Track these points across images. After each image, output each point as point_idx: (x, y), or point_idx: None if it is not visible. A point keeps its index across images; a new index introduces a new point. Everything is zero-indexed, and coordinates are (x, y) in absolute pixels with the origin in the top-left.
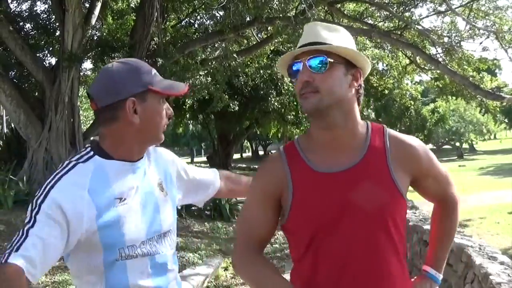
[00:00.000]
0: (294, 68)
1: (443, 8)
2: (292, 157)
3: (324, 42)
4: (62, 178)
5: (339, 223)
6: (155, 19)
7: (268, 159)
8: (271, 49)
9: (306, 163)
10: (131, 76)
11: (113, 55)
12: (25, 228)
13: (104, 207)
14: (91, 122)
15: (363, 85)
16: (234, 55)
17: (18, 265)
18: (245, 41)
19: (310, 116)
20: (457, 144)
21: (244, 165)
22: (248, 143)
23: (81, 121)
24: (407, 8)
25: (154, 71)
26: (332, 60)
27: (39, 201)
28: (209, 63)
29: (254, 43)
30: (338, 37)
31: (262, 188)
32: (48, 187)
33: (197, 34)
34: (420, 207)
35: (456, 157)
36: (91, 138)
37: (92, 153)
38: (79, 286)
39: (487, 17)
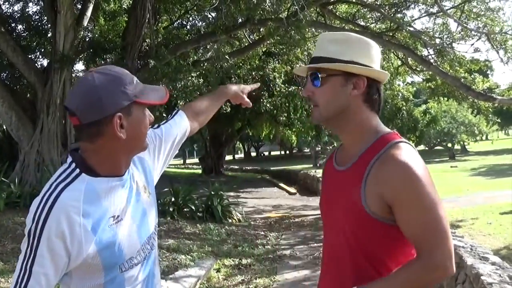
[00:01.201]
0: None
1: (435, 9)
2: (333, 153)
3: (326, 56)
4: (54, 205)
5: (327, 216)
6: (147, 20)
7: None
8: (263, 50)
9: (334, 157)
10: (115, 89)
11: (105, 56)
12: (28, 266)
13: (101, 230)
14: None
15: (378, 91)
16: (226, 56)
17: None
18: (237, 43)
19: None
20: (449, 145)
21: (236, 167)
22: (240, 144)
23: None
24: (399, 10)
25: (135, 79)
26: (324, 75)
27: (37, 233)
28: (201, 65)
29: (246, 44)
30: (341, 49)
31: None
32: (43, 216)
33: (189, 35)
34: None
35: (448, 158)
36: (70, 150)
37: (77, 170)
38: None
39: (478, 19)
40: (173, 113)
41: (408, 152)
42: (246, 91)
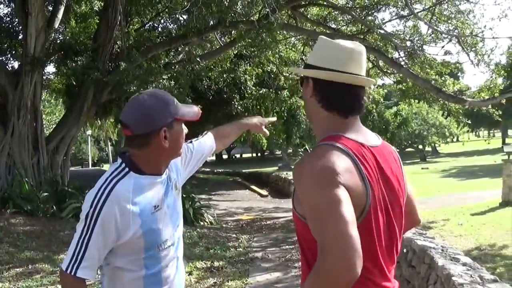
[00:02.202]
0: None
1: (405, 12)
2: None
3: (306, 62)
4: (109, 195)
5: None
6: (118, 22)
7: None
8: (235, 53)
9: None
10: (163, 108)
11: (76, 58)
12: (84, 242)
13: (146, 216)
14: (53, 126)
15: (333, 91)
16: (198, 59)
17: (83, 278)
18: (209, 45)
19: None
20: (420, 147)
21: (208, 169)
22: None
23: (44, 126)
24: (370, 13)
25: (175, 100)
26: (302, 81)
27: (94, 216)
28: (173, 67)
29: (218, 47)
30: (313, 53)
31: None
32: (100, 203)
33: (160, 38)
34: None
35: (419, 160)
36: (121, 151)
37: (127, 169)
38: (117, 275)
39: (449, 21)
40: (203, 133)
41: (310, 156)
42: (264, 123)
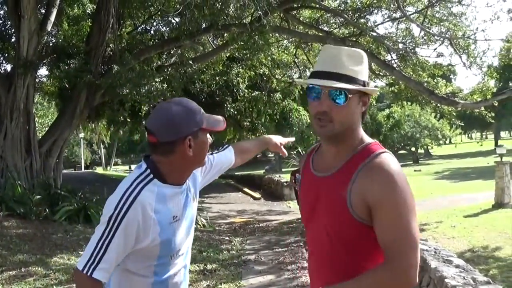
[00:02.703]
0: (315, 93)
1: (398, 15)
2: (308, 158)
3: (348, 74)
4: (136, 199)
5: (311, 220)
6: (111, 25)
7: (302, 155)
8: (227, 55)
9: (310, 164)
10: (188, 117)
11: (68, 61)
12: (105, 244)
13: (165, 225)
14: (46, 129)
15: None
16: (190, 61)
17: (99, 280)
18: (201, 48)
19: (322, 139)
20: (413, 149)
21: None
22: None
23: (36, 128)
24: (362, 15)
25: (201, 110)
26: (351, 95)
27: (118, 219)
28: (165, 70)
29: (210, 49)
30: (360, 69)
31: None
32: (125, 208)
33: (153, 40)
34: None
35: (411, 162)
36: (145, 156)
37: (151, 176)
38: (127, 278)
39: (441, 24)
40: (224, 147)
41: (391, 162)
42: (284, 142)
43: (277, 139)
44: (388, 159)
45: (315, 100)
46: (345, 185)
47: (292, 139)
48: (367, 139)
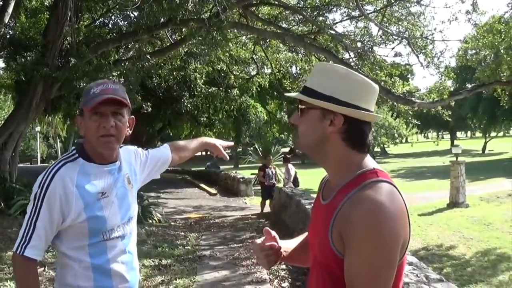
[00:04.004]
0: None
1: (356, 13)
2: (322, 184)
3: (309, 87)
4: (56, 174)
5: (311, 244)
6: (68, 18)
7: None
8: (185, 51)
9: (321, 191)
10: (82, 98)
11: (25, 54)
12: (32, 222)
13: (91, 200)
14: (2, 122)
15: (361, 130)
16: (148, 56)
17: (31, 257)
18: (159, 43)
19: None
20: None
21: None
22: (161, 144)
23: None
24: (320, 13)
25: (92, 91)
26: (303, 107)
27: (41, 196)
28: (122, 64)
29: (168, 44)
30: (324, 82)
31: None
32: (46, 183)
33: (110, 34)
34: None
35: None
36: (76, 141)
37: (77, 155)
38: (66, 264)
39: (400, 23)
40: (162, 145)
41: (378, 195)
42: (224, 145)
43: (217, 141)
44: (376, 190)
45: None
46: (330, 216)
47: (231, 143)
48: (366, 166)
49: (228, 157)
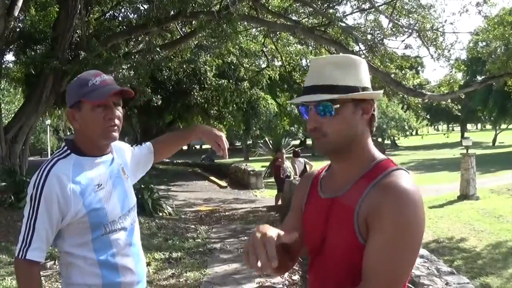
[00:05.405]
0: (303, 111)
1: (366, 5)
2: (316, 179)
3: (329, 84)
4: (50, 172)
5: (323, 246)
6: (78, 11)
7: (305, 175)
8: (195, 43)
9: (318, 188)
10: (72, 89)
11: (35, 47)
12: (31, 223)
13: (88, 194)
14: (12, 115)
15: (376, 112)
16: (158, 49)
17: (34, 260)
18: (169, 35)
19: (325, 155)
20: (379, 139)
21: (167, 160)
22: None
23: (2, 115)
24: (331, 5)
25: (91, 82)
26: (338, 106)
27: (37, 196)
28: (132, 57)
29: (178, 37)
30: (345, 74)
31: (293, 199)
32: (41, 183)
33: (120, 27)
34: None
35: None
36: (64, 138)
37: (68, 151)
38: (71, 263)
39: (410, 15)
40: (144, 143)
41: (404, 181)
42: (218, 136)
43: (212, 131)
44: (401, 177)
45: (307, 118)
46: (353, 207)
47: (223, 145)
48: (379, 155)
49: (222, 153)
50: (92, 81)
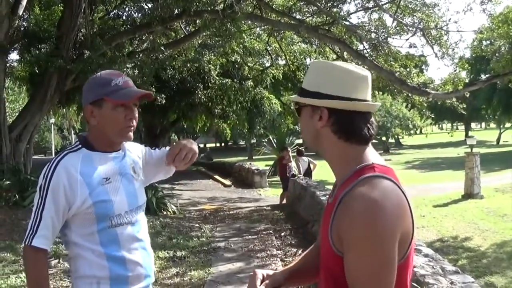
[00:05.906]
0: None
1: (370, 4)
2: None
3: (302, 86)
4: (58, 164)
5: (320, 243)
6: (82, 10)
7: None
8: (199, 42)
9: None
10: (90, 87)
11: (39, 46)
12: (39, 212)
13: (95, 186)
14: (17, 114)
15: (350, 121)
16: (162, 48)
17: (40, 247)
18: (173, 34)
19: None
20: (384, 138)
21: None
22: (175, 136)
23: (7, 113)
24: (335, 4)
25: (114, 81)
26: (297, 106)
27: (45, 186)
28: (137, 56)
29: (182, 36)
30: (310, 80)
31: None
32: (50, 174)
33: (125, 26)
34: None
35: (382, 152)
36: (79, 134)
37: (80, 145)
38: (79, 254)
39: (414, 14)
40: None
41: (371, 192)
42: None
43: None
44: (370, 186)
45: None
46: (330, 215)
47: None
48: (364, 161)
49: (168, 160)
50: (115, 81)
